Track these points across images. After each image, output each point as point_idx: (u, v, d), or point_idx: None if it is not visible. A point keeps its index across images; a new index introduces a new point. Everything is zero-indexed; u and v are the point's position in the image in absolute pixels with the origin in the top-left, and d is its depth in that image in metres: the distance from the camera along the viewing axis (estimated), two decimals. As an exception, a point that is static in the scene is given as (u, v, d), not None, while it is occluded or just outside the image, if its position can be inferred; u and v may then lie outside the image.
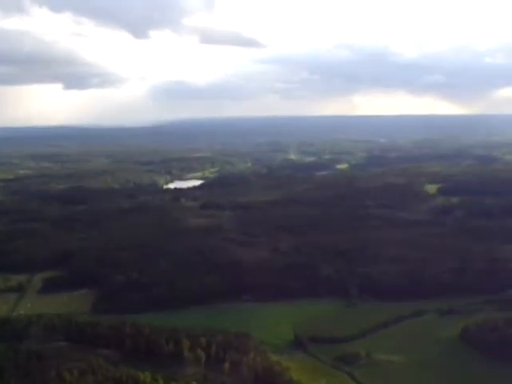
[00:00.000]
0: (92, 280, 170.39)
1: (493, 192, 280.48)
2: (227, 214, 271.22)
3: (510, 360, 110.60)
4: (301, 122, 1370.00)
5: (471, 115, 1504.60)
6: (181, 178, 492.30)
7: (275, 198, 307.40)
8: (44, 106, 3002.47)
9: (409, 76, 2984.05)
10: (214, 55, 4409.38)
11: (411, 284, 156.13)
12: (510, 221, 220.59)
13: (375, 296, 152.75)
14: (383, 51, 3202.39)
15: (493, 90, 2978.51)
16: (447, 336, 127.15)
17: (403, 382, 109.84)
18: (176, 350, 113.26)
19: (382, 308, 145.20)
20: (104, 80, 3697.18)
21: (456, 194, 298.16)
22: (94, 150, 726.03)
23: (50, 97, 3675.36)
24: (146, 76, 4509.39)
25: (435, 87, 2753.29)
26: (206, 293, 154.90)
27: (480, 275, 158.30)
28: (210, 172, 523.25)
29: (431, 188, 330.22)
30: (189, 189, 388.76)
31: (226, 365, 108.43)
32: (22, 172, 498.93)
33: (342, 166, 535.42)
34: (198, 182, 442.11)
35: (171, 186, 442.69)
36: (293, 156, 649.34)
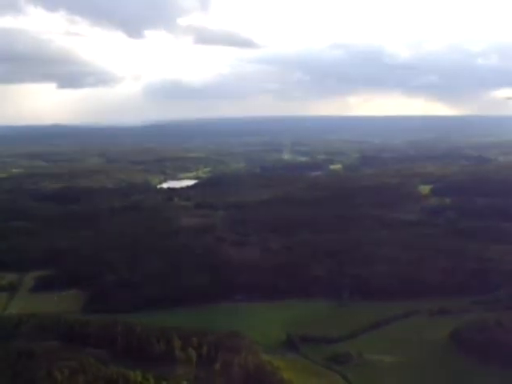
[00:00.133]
0: (84, 279, 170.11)
1: (485, 193, 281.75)
2: (220, 214, 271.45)
3: (499, 360, 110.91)
4: (295, 122, 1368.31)
5: (465, 116, 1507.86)
6: (174, 178, 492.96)
7: (268, 197, 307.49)
8: (38, 105, 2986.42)
9: (403, 77, 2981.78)
10: (208, 55, 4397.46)
11: (403, 284, 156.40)
12: (502, 221, 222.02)
13: (367, 296, 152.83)
14: (378, 52, 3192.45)
15: (486, 91, 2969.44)
16: (438, 336, 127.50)
17: (394, 381, 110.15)
18: (167, 350, 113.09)
19: (373, 308, 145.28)
20: (99, 79, 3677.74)
21: (449, 195, 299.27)
22: (87, 149, 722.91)
23: (44, 95, 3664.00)
24: (140, 75, 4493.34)
25: (429, 88, 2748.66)
26: (197, 292, 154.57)
27: (471, 275, 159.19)
28: (204, 172, 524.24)
29: (424, 188, 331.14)
30: (182, 188, 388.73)
31: (218, 364, 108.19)
32: (14, 171, 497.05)
33: (336, 167, 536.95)
34: (191, 182, 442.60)
35: (165, 185, 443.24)
36: (286, 156, 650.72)
